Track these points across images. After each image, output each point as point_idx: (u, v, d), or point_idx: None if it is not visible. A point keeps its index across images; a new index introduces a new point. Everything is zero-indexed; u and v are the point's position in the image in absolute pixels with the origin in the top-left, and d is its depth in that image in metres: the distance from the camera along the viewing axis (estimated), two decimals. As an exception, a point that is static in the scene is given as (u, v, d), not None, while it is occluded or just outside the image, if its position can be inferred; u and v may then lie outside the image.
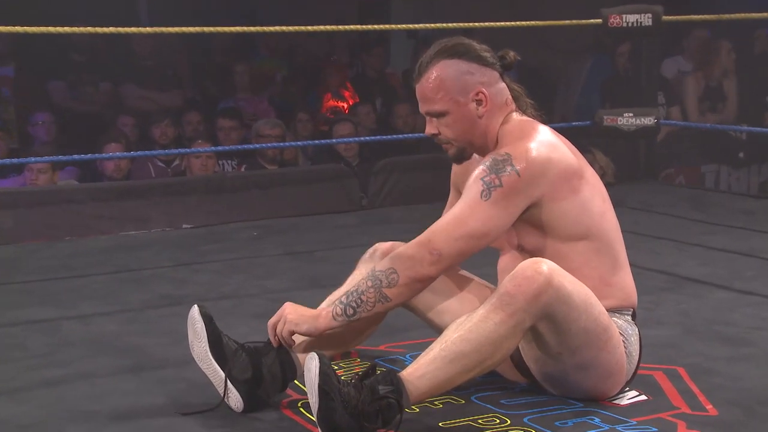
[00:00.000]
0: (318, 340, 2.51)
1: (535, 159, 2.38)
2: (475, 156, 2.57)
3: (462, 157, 2.55)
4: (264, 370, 2.47)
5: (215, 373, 2.47)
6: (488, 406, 2.50)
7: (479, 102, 2.46)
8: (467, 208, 2.36)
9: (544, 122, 2.53)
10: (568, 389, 2.50)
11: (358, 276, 2.61)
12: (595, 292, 2.40)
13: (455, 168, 2.70)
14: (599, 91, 6.89)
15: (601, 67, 7.11)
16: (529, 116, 2.54)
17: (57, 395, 2.66)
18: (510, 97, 2.52)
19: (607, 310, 2.44)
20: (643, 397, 2.54)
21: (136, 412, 2.53)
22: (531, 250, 2.47)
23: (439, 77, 2.45)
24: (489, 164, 2.38)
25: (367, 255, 2.69)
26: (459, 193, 2.59)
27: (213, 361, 2.46)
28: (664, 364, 2.76)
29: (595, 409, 2.45)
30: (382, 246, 2.67)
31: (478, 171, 2.39)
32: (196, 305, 2.50)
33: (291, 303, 2.48)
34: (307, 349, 2.47)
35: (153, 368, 2.87)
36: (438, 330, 2.55)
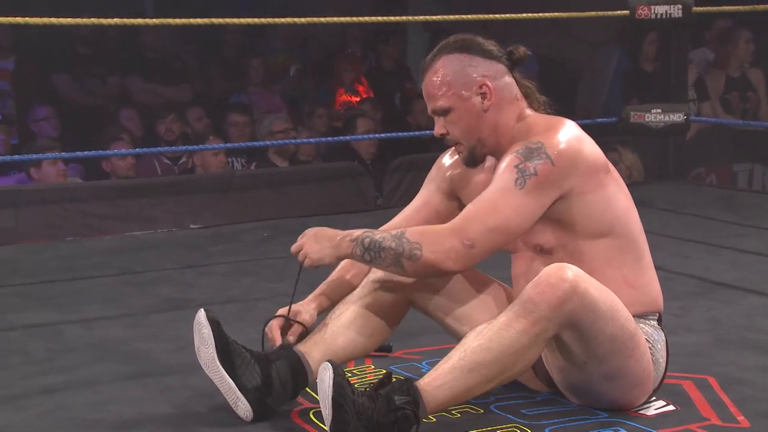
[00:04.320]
0: (334, 348, 2.48)
1: (568, 149, 2.35)
2: (487, 160, 2.51)
3: (474, 158, 2.49)
4: (274, 377, 2.44)
5: (223, 380, 2.42)
6: (508, 416, 2.46)
7: (483, 95, 2.42)
8: (501, 197, 2.32)
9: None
10: (593, 399, 2.46)
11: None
12: (619, 295, 2.37)
13: (449, 166, 2.62)
14: (621, 85, 6.80)
15: (626, 61, 7.08)
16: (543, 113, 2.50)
17: (57, 402, 2.62)
18: (519, 93, 2.47)
19: (632, 316, 2.39)
20: (671, 408, 2.50)
21: (140, 420, 2.49)
22: (549, 249, 2.43)
23: (442, 72, 2.43)
24: (522, 151, 2.34)
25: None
26: (444, 194, 2.60)
27: (221, 367, 2.41)
28: (694, 373, 2.72)
29: (620, 420, 2.41)
30: None
31: (510, 158, 2.34)
32: (202, 309, 2.47)
33: (313, 229, 2.44)
34: (325, 352, 2.46)
35: (157, 375, 2.83)
36: (454, 334, 2.53)
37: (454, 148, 2.51)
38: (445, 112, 2.43)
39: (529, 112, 2.46)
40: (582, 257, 2.37)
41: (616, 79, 7.00)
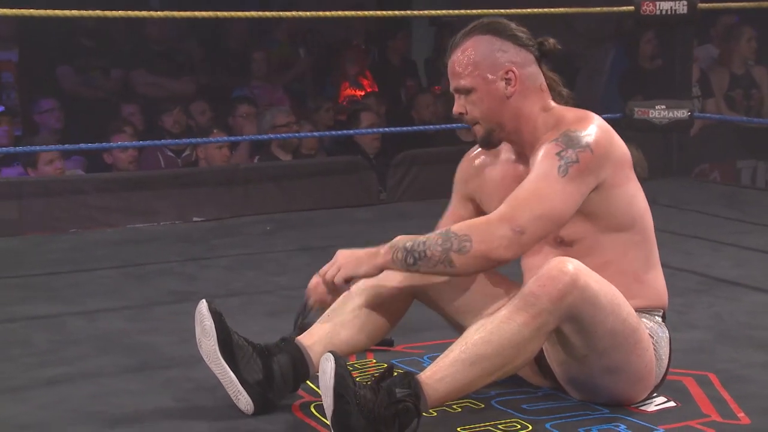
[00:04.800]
0: (336, 342, 2.46)
1: (602, 139, 2.35)
2: (502, 153, 2.50)
3: (490, 140, 2.47)
4: (275, 371, 2.43)
5: (224, 373, 2.41)
6: (509, 410, 2.45)
7: (508, 81, 2.40)
8: (546, 185, 2.29)
9: None
10: (593, 394, 2.45)
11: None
12: (627, 289, 2.36)
13: (465, 171, 2.61)
14: (618, 82, 6.79)
15: (623, 58, 7.06)
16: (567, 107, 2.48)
17: (59, 395, 2.61)
18: (544, 83, 2.46)
19: (637, 311, 2.39)
20: (672, 404, 2.49)
21: (142, 413, 2.48)
22: (570, 242, 2.42)
23: (470, 52, 2.40)
24: (562, 139, 2.33)
25: None
26: (466, 200, 2.60)
27: (222, 360, 2.40)
28: (695, 369, 2.70)
29: (620, 416, 2.40)
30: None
31: (550, 146, 2.33)
32: (204, 300, 2.45)
33: (343, 250, 2.41)
34: (327, 346, 2.43)
35: (160, 368, 2.83)
36: (457, 327, 2.54)
37: (472, 127, 2.48)
38: (467, 92, 2.41)
39: (553, 104, 2.45)
40: (600, 250, 2.38)
41: (613, 76, 6.98)
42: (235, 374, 2.40)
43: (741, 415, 2.42)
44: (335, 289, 2.42)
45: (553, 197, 2.28)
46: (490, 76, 2.39)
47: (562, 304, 2.22)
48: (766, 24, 6.58)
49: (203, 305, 2.43)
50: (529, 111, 2.42)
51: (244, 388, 2.40)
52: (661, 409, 2.45)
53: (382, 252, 2.35)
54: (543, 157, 2.32)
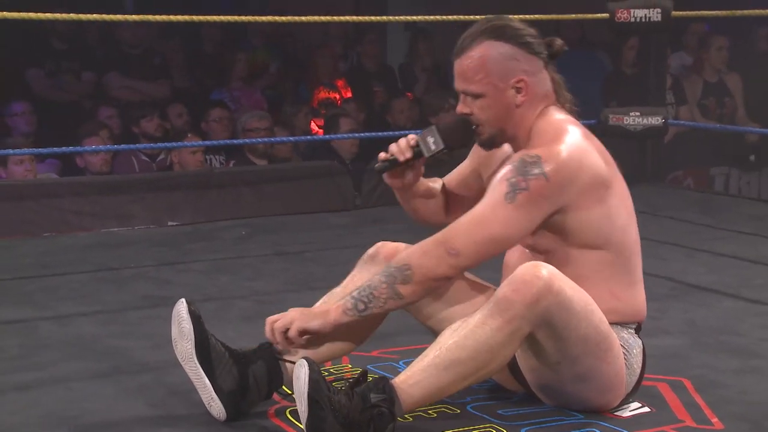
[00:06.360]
0: (315, 345, 2.45)
1: (566, 165, 2.31)
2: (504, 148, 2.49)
3: (492, 143, 2.46)
4: (251, 380, 2.41)
5: (199, 377, 2.40)
6: (484, 416, 2.45)
7: (518, 90, 2.39)
8: (490, 210, 2.31)
9: (578, 119, 2.46)
10: (565, 401, 2.46)
11: (358, 278, 2.53)
12: (602, 304, 2.36)
13: (476, 146, 2.58)
14: (600, 88, 6.80)
15: (595, 64, 7.06)
16: (566, 111, 2.46)
17: (30, 400, 2.60)
18: (551, 89, 2.44)
19: (610, 323, 2.38)
20: (646, 409, 2.49)
21: (114, 418, 2.46)
22: (542, 252, 2.41)
23: (482, 58, 2.37)
24: (517, 165, 2.32)
25: (366, 255, 2.60)
26: (474, 167, 2.59)
27: (198, 364, 2.39)
28: (669, 375, 2.71)
29: (595, 421, 2.41)
30: (385, 247, 2.57)
31: (505, 171, 2.33)
32: (183, 300, 2.42)
33: (294, 308, 2.41)
34: (306, 352, 2.42)
35: (132, 373, 2.81)
36: (435, 333, 2.49)
37: (474, 128, 2.45)
38: (475, 96, 2.39)
39: (551, 110, 2.42)
40: (572, 263, 2.36)
41: (596, 81, 7.01)
42: (209, 380, 2.38)
43: (715, 420, 2.44)
44: (287, 340, 2.39)
45: (493, 224, 2.28)
46: (500, 84, 2.37)
47: (536, 308, 2.22)
48: (736, 32, 6.64)
49: (182, 306, 2.40)
50: (529, 118, 2.40)
51: (218, 396, 2.38)
52: (635, 415, 2.46)
53: (332, 308, 2.37)
54: (496, 182, 2.32)
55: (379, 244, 2.60)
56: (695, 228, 4.94)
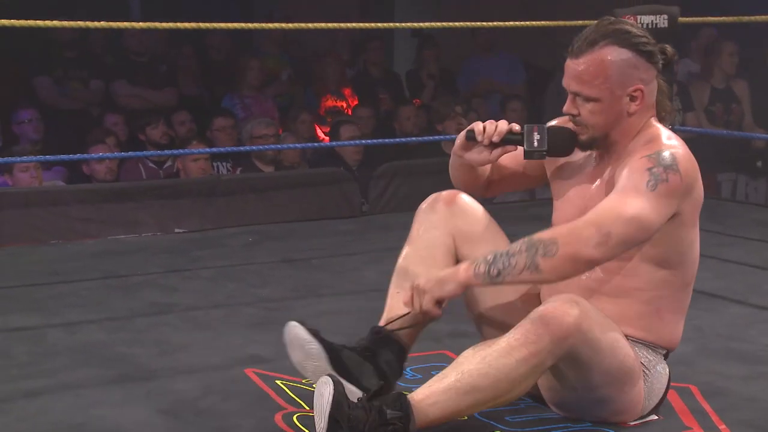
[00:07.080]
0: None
1: (691, 172, 2.31)
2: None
3: (591, 146, 2.43)
4: (386, 368, 2.42)
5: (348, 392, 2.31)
6: (492, 422, 2.45)
7: (633, 99, 2.36)
8: (633, 194, 2.25)
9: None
10: (578, 414, 2.47)
11: (424, 228, 2.51)
12: (644, 319, 2.38)
13: None
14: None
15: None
16: (664, 125, 2.44)
17: (39, 407, 2.60)
18: (657, 98, 2.42)
19: (644, 342, 2.41)
20: (654, 417, 2.49)
21: (122, 425, 2.47)
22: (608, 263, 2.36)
23: (603, 63, 2.32)
24: (655, 156, 2.28)
25: (426, 205, 2.57)
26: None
27: (339, 378, 2.33)
28: (677, 382, 2.68)
29: (603, 428, 2.42)
30: (442, 194, 2.55)
31: (641, 161, 2.28)
32: (296, 323, 2.41)
33: (419, 278, 2.37)
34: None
35: (140, 379, 2.81)
36: (479, 330, 2.55)
37: (575, 128, 2.41)
38: (589, 100, 2.35)
39: (653, 121, 2.40)
40: (636, 278, 2.36)
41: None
42: (355, 387, 2.36)
43: (722, 427, 2.44)
44: (429, 315, 2.37)
45: (640, 205, 2.23)
46: (617, 92, 2.33)
47: (563, 345, 2.21)
48: (745, 38, 6.63)
49: (300, 329, 2.39)
50: (636, 127, 2.38)
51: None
52: (643, 422, 2.46)
53: (462, 269, 2.31)
54: (633, 171, 2.28)
55: (435, 194, 2.57)
56: (702, 234, 4.82)
